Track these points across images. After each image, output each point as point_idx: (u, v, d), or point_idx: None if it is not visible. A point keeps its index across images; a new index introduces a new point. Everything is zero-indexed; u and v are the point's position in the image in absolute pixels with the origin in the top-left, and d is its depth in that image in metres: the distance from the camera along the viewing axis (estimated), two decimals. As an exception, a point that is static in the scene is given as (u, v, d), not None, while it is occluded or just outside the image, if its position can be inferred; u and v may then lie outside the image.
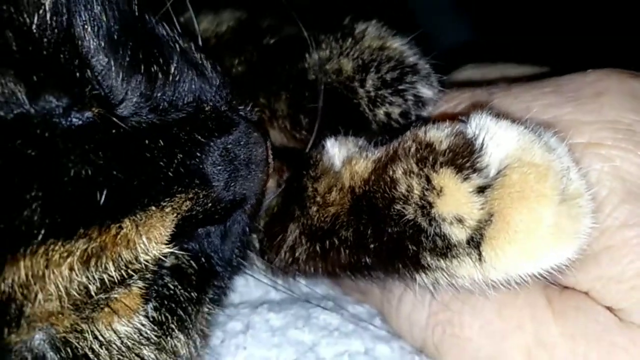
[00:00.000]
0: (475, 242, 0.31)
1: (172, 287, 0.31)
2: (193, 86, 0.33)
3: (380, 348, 0.40)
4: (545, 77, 0.39)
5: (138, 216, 0.26)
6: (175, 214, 0.29)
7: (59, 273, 0.24)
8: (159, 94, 0.31)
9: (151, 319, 0.29)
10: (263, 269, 0.42)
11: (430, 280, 0.33)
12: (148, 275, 0.28)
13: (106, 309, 0.27)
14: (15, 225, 0.23)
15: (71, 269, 0.24)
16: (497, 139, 0.31)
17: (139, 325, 0.28)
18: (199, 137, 0.31)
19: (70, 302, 0.24)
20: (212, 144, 0.31)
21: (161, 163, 0.28)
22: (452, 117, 0.35)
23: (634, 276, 0.31)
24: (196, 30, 0.37)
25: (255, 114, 0.37)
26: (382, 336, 0.41)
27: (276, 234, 0.38)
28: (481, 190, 0.31)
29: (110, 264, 0.25)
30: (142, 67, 0.30)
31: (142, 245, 0.26)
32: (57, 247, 0.24)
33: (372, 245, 0.34)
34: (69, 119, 0.25)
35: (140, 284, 0.28)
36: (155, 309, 0.29)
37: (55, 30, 0.26)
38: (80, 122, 0.26)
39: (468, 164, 0.31)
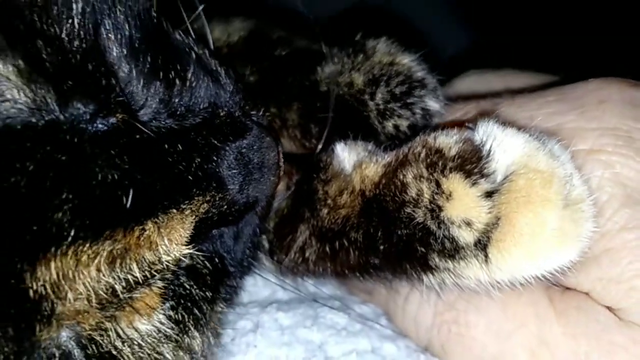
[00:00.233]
0: (482, 245, 0.32)
1: (188, 287, 0.32)
2: (208, 92, 0.34)
3: (387, 347, 0.41)
4: (547, 86, 0.41)
5: (160, 218, 0.27)
6: (193, 216, 0.30)
7: (88, 273, 0.25)
8: (176, 100, 0.32)
9: (169, 318, 0.30)
10: (271, 269, 0.43)
11: (437, 280, 0.35)
12: (168, 275, 0.29)
13: (128, 308, 0.28)
14: (46, 227, 0.24)
15: (98, 269, 0.25)
16: (504, 146, 0.33)
17: (158, 324, 0.29)
18: (215, 142, 0.32)
19: (96, 301, 0.25)
20: (227, 148, 0.33)
21: (181, 167, 0.29)
22: (460, 125, 0.36)
23: (633, 277, 0.32)
24: (208, 38, 0.38)
25: (266, 119, 0.39)
26: (388, 335, 0.43)
27: (286, 235, 0.39)
28: (488, 194, 0.32)
29: (134, 264, 0.26)
30: (161, 74, 0.31)
31: (163, 246, 0.27)
32: (85, 248, 0.25)
33: (381, 247, 0.35)
34: (95, 124, 0.26)
35: (160, 283, 0.29)
36: (172, 308, 0.30)
37: (83, 40, 0.26)
38: (105, 128, 0.27)
39: (476, 170, 0.32)
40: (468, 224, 0.32)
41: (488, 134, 0.34)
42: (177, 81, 0.32)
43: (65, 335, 0.26)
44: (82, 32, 0.27)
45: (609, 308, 0.33)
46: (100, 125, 0.26)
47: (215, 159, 0.31)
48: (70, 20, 0.26)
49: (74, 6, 0.27)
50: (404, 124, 0.40)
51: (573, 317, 0.34)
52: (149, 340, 0.29)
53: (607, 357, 0.33)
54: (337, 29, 0.45)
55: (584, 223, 0.32)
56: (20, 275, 0.23)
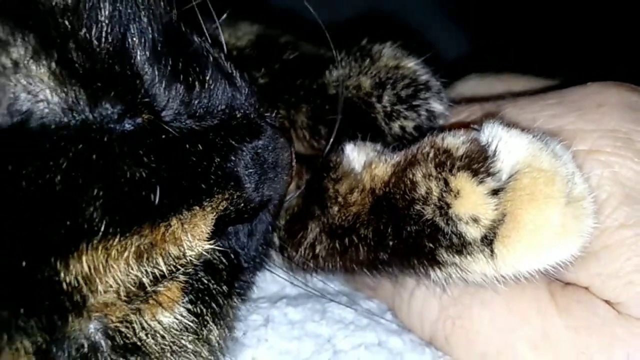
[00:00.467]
0: (488, 240, 0.33)
1: (206, 281, 0.33)
2: (225, 94, 0.35)
3: (393, 340, 0.43)
4: (548, 90, 0.42)
5: (184, 215, 0.29)
6: (214, 213, 0.31)
7: (117, 267, 0.26)
8: (196, 102, 0.33)
9: (189, 311, 0.31)
10: (281, 264, 0.44)
11: (444, 275, 0.36)
12: (189, 270, 0.30)
13: (151, 301, 0.29)
14: (78, 223, 0.25)
15: (127, 263, 0.26)
16: (509, 146, 0.34)
17: (180, 316, 0.30)
18: (233, 142, 0.33)
19: (125, 294, 0.26)
20: (244, 148, 0.34)
21: (202, 166, 0.30)
22: (465, 126, 0.38)
23: (631, 272, 0.33)
24: (222, 41, 0.39)
25: (278, 120, 0.40)
26: (394, 329, 0.44)
27: (296, 232, 0.41)
28: (494, 192, 0.33)
29: (160, 259, 0.27)
30: (182, 77, 0.32)
31: (187, 242, 0.29)
32: (114, 243, 0.26)
33: (390, 243, 0.36)
34: (123, 124, 0.27)
35: (182, 277, 0.30)
36: (192, 301, 0.31)
37: (111, 42, 0.28)
38: (132, 128, 0.28)
39: (483, 169, 0.34)
40: (475, 220, 0.33)
41: (493, 134, 0.35)
42: (197, 84, 0.33)
43: (93, 326, 0.27)
44: (110, 36, 0.28)
45: (607, 302, 0.35)
46: (127, 126, 0.28)
47: (233, 158, 0.33)
48: (99, 24, 0.27)
49: (102, 11, 0.28)
50: (409, 125, 0.41)
51: (574, 311, 0.35)
52: (170, 332, 0.30)
53: (607, 348, 0.34)
54: (344, 36, 0.46)
55: (585, 219, 0.33)
56: (54, 268, 0.24)
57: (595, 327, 0.35)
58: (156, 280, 0.28)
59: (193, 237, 0.29)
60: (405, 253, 0.36)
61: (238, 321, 0.40)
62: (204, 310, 0.33)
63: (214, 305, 0.33)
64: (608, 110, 0.36)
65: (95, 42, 0.27)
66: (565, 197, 0.33)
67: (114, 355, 0.27)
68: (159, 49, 0.31)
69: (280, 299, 0.45)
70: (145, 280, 0.27)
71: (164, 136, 0.29)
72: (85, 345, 0.26)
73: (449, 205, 0.34)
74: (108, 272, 0.25)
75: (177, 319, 0.30)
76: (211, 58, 0.35)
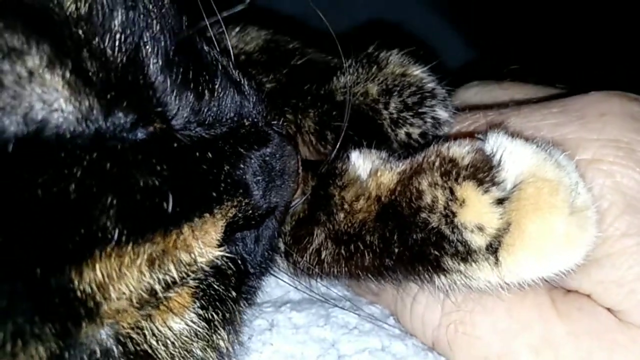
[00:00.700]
0: (493, 248, 0.34)
1: (216, 287, 0.33)
2: (234, 102, 0.35)
3: (396, 345, 0.43)
4: (550, 98, 0.43)
5: (195, 222, 0.29)
6: (223, 220, 0.31)
7: (130, 274, 0.26)
8: (205, 110, 0.33)
9: (200, 317, 0.31)
10: (286, 270, 0.45)
11: (448, 282, 0.37)
12: (200, 276, 0.31)
13: (162, 307, 0.29)
14: (92, 230, 0.25)
15: (140, 270, 0.26)
16: (514, 156, 0.35)
17: (190, 322, 0.31)
18: (242, 150, 0.34)
19: (137, 300, 0.27)
20: (252, 156, 0.34)
21: (212, 174, 0.31)
22: (469, 136, 0.38)
23: (633, 280, 0.34)
24: (230, 49, 0.40)
25: (285, 128, 0.40)
26: (397, 334, 0.44)
27: (302, 238, 0.41)
28: (499, 201, 0.34)
29: (172, 265, 0.28)
30: (192, 85, 0.33)
31: (198, 248, 0.29)
32: (127, 250, 0.26)
33: (396, 250, 0.37)
34: (136, 133, 0.28)
35: (192, 283, 0.31)
36: (202, 307, 0.32)
37: (125, 51, 0.28)
38: (145, 137, 0.28)
39: (488, 178, 0.34)
40: (480, 228, 0.34)
41: (498, 144, 0.36)
42: (206, 92, 0.33)
43: (105, 333, 0.27)
44: (123, 45, 0.28)
45: (609, 310, 0.36)
46: (140, 134, 0.28)
47: (241, 166, 0.33)
48: (113, 33, 0.28)
49: (116, 20, 0.28)
50: (415, 132, 0.42)
51: (575, 317, 0.36)
52: (181, 339, 0.30)
53: (609, 354, 0.35)
54: (350, 43, 0.47)
55: (589, 228, 0.34)
56: (68, 276, 0.25)
57: (597, 333, 0.36)
58: (167, 286, 0.28)
59: (204, 244, 0.29)
60: (411, 260, 0.37)
61: (244, 325, 0.40)
62: (215, 315, 0.33)
63: (224, 310, 0.34)
64: (610, 119, 0.37)
65: (109, 52, 0.27)
66: (569, 207, 0.34)
67: (125, 361, 0.28)
68: (170, 57, 0.31)
69: (284, 304, 0.45)
70: (157, 286, 0.27)
71: (175, 145, 0.29)
72: (98, 351, 0.27)
73: (454, 214, 0.34)
74: (121, 279, 0.26)
75: (188, 325, 0.31)
76: (220, 66, 0.36)
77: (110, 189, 0.26)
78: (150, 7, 0.31)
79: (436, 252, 0.35)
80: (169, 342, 0.29)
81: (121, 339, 0.27)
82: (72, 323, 0.25)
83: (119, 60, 0.28)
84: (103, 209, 0.25)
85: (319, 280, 0.43)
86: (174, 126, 0.31)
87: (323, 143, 0.44)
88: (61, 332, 0.25)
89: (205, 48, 0.36)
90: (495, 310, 0.39)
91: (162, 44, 0.31)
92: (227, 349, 0.34)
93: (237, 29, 0.49)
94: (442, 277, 0.37)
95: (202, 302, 0.32)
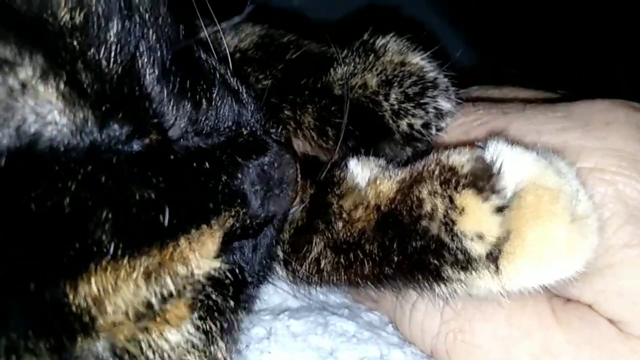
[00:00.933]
0: (493, 257, 0.34)
1: (214, 297, 0.33)
2: (232, 111, 0.35)
3: (395, 353, 0.43)
4: (554, 101, 0.42)
5: (192, 234, 0.29)
6: (221, 231, 0.31)
7: (126, 288, 0.26)
8: (203, 119, 0.33)
9: (198, 328, 0.31)
10: (284, 277, 0.44)
11: (449, 290, 0.36)
12: (197, 287, 0.30)
13: (159, 319, 0.29)
14: (88, 244, 0.25)
15: (136, 284, 0.26)
16: (514, 164, 0.35)
17: (187, 334, 0.30)
18: (239, 159, 0.33)
19: (133, 314, 0.26)
20: (250, 165, 0.34)
21: (210, 184, 0.31)
22: (469, 141, 0.38)
23: (635, 292, 0.34)
24: (227, 55, 0.39)
25: (283, 135, 0.40)
26: (396, 342, 0.44)
27: (301, 246, 0.41)
28: (499, 210, 0.34)
29: (168, 278, 0.28)
30: (189, 94, 0.32)
31: (194, 260, 0.29)
32: (123, 264, 0.26)
33: (396, 258, 0.37)
34: (131, 145, 0.27)
35: (190, 294, 0.30)
36: (200, 318, 0.32)
37: (120, 62, 0.28)
38: (140, 149, 0.28)
39: (488, 186, 0.34)
40: (480, 237, 0.34)
41: (498, 152, 0.35)
42: (204, 101, 0.33)
43: (101, 346, 0.27)
44: (119, 56, 0.28)
45: (610, 320, 0.35)
46: (135, 146, 0.28)
47: (239, 176, 0.33)
48: (108, 44, 0.27)
49: (111, 30, 0.28)
50: (417, 123, 0.41)
51: (576, 327, 0.36)
52: (177, 351, 0.30)
53: None
54: (346, 30, 0.46)
55: (590, 236, 0.34)
56: (63, 290, 0.24)
57: (597, 343, 0.35)
58: (164, 299, 0.28)
59: (201, 256, 0.29)
60: (411, 268, 0.36)
61: (242, 334, 0.40)
62: (213, 326, 0.33)
63: (222, 321, 0.33)
64: (615, 128, 0.36)
65: (104, 63, 0.27)
66: (569, 214, 0.33)
67: (122, 374, 0.27)
68: (167, 66, 0.31)
69: (282, 312, 0.45)
70: (153, 300, 0.27)
71: (172, 156, 0.29)
72: (94, 365, 0.26)
73: (454, 222, 0.34)
74: (117, 293, 0.25)
75: (185, 337, 0.30)
76: (218, 75, 0.35)
77: (106, 202, 0.25)
78: (147, 16, 0.31)
79: (436, 261, 0.35)
80: (165, 354, 0.29)
81: (117, 351, 0.27)
82: (67, 337, 0.25)
83: (114, 71, 0.27)
84: (98, 223, 0.25)
85: (318, 288, 0.43)
86: (171, 136, 0.31)
87: (324, 139, 0.43)
88: (56, 346, 0.24)
89: (203, 56, 0.36)
90: (495, 318, 0.39)
91: (159, 53, 0.30)
92: (225, 359, 0.34)
93: (232, 27, 0.47)
94: (443, 285, 0.36)
95: (200, 312, 0.32)
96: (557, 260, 0.33)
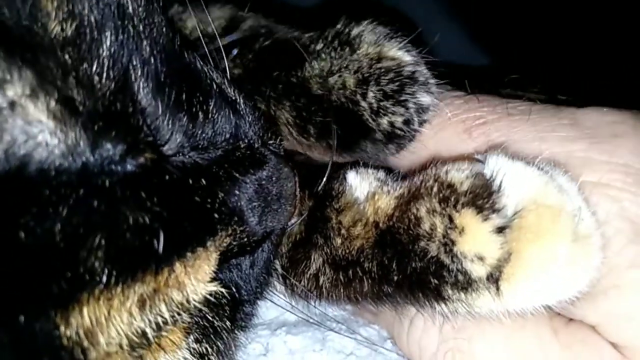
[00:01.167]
0: (494, 278, 0.33)
1: (210, 318, 0.32)
2: (229, 123, 0.34)
3: (393, 370, 0.42)
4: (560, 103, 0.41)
5: (187, 258, 0.28)
6: (217, 252, 0.30)
7: (120, 317, 0.25)
8: (199, 132, 0.32)
9: (193, 351, 0.30)
10: (282, 292, 0.43)
11: (450, 309, 0.36)
12: (193, 311, 0.29)
13: (154, 346, 0.28)
14: (79, 273, 0.24)
15: (130, 313, 0.25)
16: (514, 181, 0.34)
17: (182, 359, 0.29)
18: (237, 175, 0.32)
19: (127, 344, 0.25)
20: (247, 180, 0.33)
21: (206, 204, 0.29)
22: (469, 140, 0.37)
23: None
24: (226, 66, 0.38)
25: (282, 146, 0.39)
26: (394, 359, 0.43)
27: (299, 261, 0.40)
28: (500, 230, 0.33)
29: (163, 305, 0.26)
30: (185, 107, 0.31)
31: (190, 285, 0.28)
32: (117, 293, 0.25)
33: (395, 277, 0.36)
34: (125, 165, 0.26)
35: (187, 319, 0.29)
36: (197, 340, 0.31)
37: (113, 78, 0.26)
38: (134, 169, 0.26)
39: (488, 205, 0.33)
40: (480, 258, 0.33)
41: (498, 168, 0.35)
42: (200, 114, 0.32)
43: (93, 375, 0.26)
44: (112, 72, 0.26)
45: (613, 344, 0.35)
46: (129, 167, 0.26)
47: (236, 192, 0.32)
48: (101, 58, 0.26)
49: (104, 44, 0.27)
50: (398, 120, 0.39)
51: (577, 350, 0.35)
52: (173, 377, 0.29)
53: None
54: (322, 17, 0.43)
55: (593, 255, 0.33)
56: (54, 322, 0.23)
57: None
58: (159, 328, 0.27)
59: (197, 280, 0.28)
60: (410, 288, 0.36)
61: (238, 351, 0.39)
62: (209, 349, 0.32)
63: (218, 342, 0.33)
64: (623, 143, 0.35)
65: (97, 78, 0.26)
66: (571, 234, 0.33)
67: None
68: (162, 79, 0.30)
69: (280, 327, 0.44)
70: (148, 329, 0.26)
71: (167, 176, 0.28)
72: (85, 396, 0.25)
73: (453, 242, 0.33)
74: (110, 323, 0.24)
75: (180, 362, 0.29)
76: (215, 85, 0.34)
77: (98, 228, 0.24)
78: (141, 27, 0.29)
79: (436, 281, 0.34)
80: (160, 381, 0.28)
81: (110, 381, 0.26)
82: (59, 371, 0.24)
83: (107, 87, 0.26)
84: (91, 250, 0.24)
85: (317, 304, 0.42)
86: (166, 152, 0.30)
87: (305, 136, 0.41)
88: (47, 380, 0.23)
89: (199, 66, 0.34)
90: (494, 339, 0.38)
91: (153, 66, 0.29)
92: (220, 380, 0.33)
93: (199, 10, 0.44)
94: (444, 305, 0.36)
95: (196, 334, 0.31)
96: (558, 281, 0.32)
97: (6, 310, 0.22)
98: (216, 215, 0.30)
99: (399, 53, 0.40)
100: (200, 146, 0.32)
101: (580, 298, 0.33)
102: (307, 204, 0.41)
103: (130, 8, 0.29)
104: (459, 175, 0.35)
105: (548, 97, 0.47)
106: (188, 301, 0.28)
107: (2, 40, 0.24)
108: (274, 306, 0.45)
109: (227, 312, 0.34)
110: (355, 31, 0.41)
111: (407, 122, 0.39)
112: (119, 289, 0.25)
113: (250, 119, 0.36)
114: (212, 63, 0.36)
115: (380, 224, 0.36)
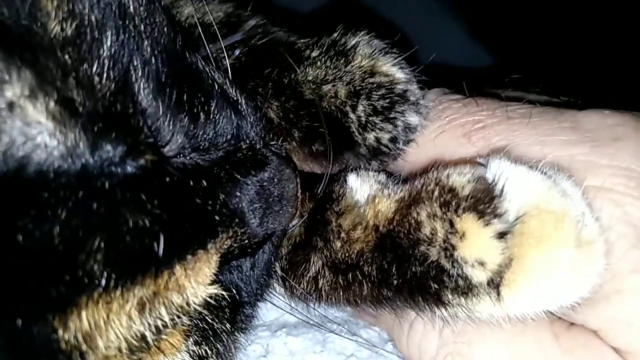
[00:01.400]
0: (495, 284, 0.33)
1: (210, 320, 0.32)
2: (230, 124, 0.34)
3: (393, 373, 0.42)
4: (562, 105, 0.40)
5: (187, 260, 0.27)
6: (218, 254, 0.30)
7: (119, 321, 0.24)
8: (200, 133, 0.32)
9: (193, 354, 0.30)
10: (282, 293, 0.43)
11: (450, 314, 0.35)
12: (193, 314, 0.29)
13: (153, 349, 0.28)
14: (78, 277, 0.23)
15: (129, 316, 0.25)
16: (516, 185, 0.33)
17: (182, 362, 0.29)
18: (238, 176, 0.32)
19: (126, 348, 0.25)
20: (249, 182, 0.33)
21: (207, 206, 0.29)
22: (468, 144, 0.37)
23: None
24: (227, 65, 0.38)
25: (284, 147, 0.38)
26: (395, 361, 0.43)
27: (299, 264, 0.40)
28: (501, 235, 0.33)
29: (163, 309, 0.26)
30: (186, 107, 0.31)
31: (190, 288, 0.27)
32: (116, 295, 0.24)
33: (395, 282, 0.35)
34: (125, 167, 0.26)
35: (186, 322, 0.29)
36: (196, 343, 0.30)
37: (114, 78, 0.26)
38: (134, 171, 0.26)
39: (489, 210, 0.33)
40: (481, 264, 0.33)
41: (500, 172, 0.34)
42: (202, 114, 0.32)
43: (92, 379, 0.26)
44: (112, 72, 0.26)
45: (615, 349, 0.34)
46: (129, 168, 0.26)
47: (238, 194, 0.31)
48: (101, 59, 0.26)
49: (105, 43, 0.26)
50: (385, 137, 0.39)
51: (578, 355, 0.35)
52: (172, 380, 0.29)
53: None
54: (319, 23, 0.43)
55: (596, 261, 0.33)
56: (52, 326, 0.23)
57: None
58: (158, 331, 0.26)
59: (197, 283, 0.28)
60: (410, 292, 0.36)
61: (238, 352, 0.39)
62: (209, 351, 0.32)
63: (218, 345, 0.32)
64: (624, 146, 0.35)
65: (97, 79, 0.26)
66: (574, 240, 0.32)
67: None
68: (163, 80, 0.29)
69: (280, 328, 0.44)
70: (147, 332, 0.26)
71: (167, 178, 0.27)
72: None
73: (454, 247, 0.33)
74: (109, 327, 0.24)
75: (180, 365, 0.29)
76: (216, 85, 0.34)
77: (98, 230, 0.24)
78: (142, 27, 0.29)
79: (436, 286, 0.34)
80: (159, 384, 0.28)
81: (109, 385, 0.26)
82: (57, 375, 0.23)
83: (107, 88, 0.26)
84: (90, 253, 0.24)
85: (316, 306, 0.42)
86: (167, 153, 0.29)
87: (289, 140, 0.40)
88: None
89: (200, 66, 0.34)
90: (495, 343, 0.38)
91: (154, 66, 0.29)
92: (220, 383, 0.33)
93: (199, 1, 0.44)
94: (444, 309, 0.35)
95: (195, 337, 0.31)
96: (561, 287, 0.32)
97: (4, 314, 0.22)
98: (217, 217, 0.29)
99: (393, 69, 0.40)
100: (201, 147, 0.31)
101: (582, 304, 0.33)
102: (307, 206, 0.41)
103: (132, 7, 0.29)
104: (461, 179, 0.35)
105: (549, 97, 0.47)
106: (188, 304, 0.27)
107: (1, 40, 0.24)
108: (275, 307, 0.45)
109: (228, 314, 0.34)
110: (351, 42, 0.41)
111: (393, 139, 0.39)
112: (118, 293, 0.24)
113: (251, 120, 0.35)
114: (213, 63, 0.36)
115: (381, 228, 0.36)
